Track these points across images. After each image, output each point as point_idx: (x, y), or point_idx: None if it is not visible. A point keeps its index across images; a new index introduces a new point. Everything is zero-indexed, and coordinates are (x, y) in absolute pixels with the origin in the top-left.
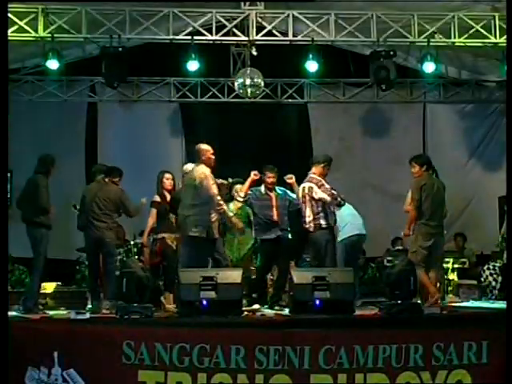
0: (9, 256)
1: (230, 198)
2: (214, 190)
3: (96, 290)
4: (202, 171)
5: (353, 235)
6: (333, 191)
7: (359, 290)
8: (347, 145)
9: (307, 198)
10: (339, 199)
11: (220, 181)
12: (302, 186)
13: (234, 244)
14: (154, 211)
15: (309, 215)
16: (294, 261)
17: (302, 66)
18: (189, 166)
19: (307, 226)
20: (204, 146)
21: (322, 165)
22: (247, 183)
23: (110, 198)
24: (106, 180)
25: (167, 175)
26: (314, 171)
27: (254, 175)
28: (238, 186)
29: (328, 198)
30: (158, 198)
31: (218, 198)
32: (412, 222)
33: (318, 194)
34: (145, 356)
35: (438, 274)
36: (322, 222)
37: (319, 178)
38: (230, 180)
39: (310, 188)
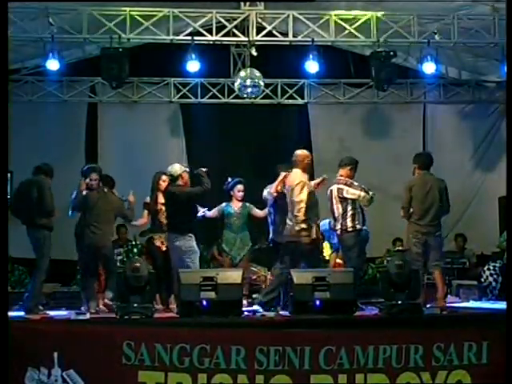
0: (9, 256)
1: (229, 198)
2: (301, 196)
3: (90, 291)
4: (297, 177)
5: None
6: (363, 186)
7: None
8: (347, 145)
9: (335, 200)
10: (371, 194)
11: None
12: (330, 188)
13: (236, 244)
14: (145, 212)
15: (336, 217)
16: None
17: (302, 66)
18: (176, 167)
19: (334, 228)
20: (301, 152)
21: (349, 167)
22: (279, 180)
23: (110, 209)
24: (105, 190)
25: (164, 177)
26: (341, 173)
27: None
28: (239, 186)
29: (362, 193)
30: (147, 199)
31: (301, 206)
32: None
33: (350, 191)
34: (145, 356)
35: (439, 274)
36: (349, 224)
37: (347, 179)
38: (230, 179)
39: (339, 189)
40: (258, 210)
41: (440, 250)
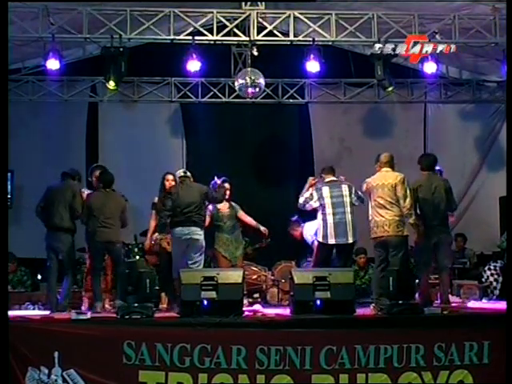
0: (15, 257)
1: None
2: (408, 192)
3: (98, 291)
4: (395, 173)
5: None
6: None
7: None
8: (348, 145)
9: None
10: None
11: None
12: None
13: (231, 243)
14: (153, 212)
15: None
16: (294, 261)
17: (302, 66)
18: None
19: None
20: (387, 154)
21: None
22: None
23: (116, 206)
24: (107, 190)
25: (167, 176)
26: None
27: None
28: (225, 185)
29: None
30: (156, 200)
31: (407, 202)
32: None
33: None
34: (145, 356)
35: (447, 276)
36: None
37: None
38: (216, 178)
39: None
40: (243, 213)
41: (450, 249)
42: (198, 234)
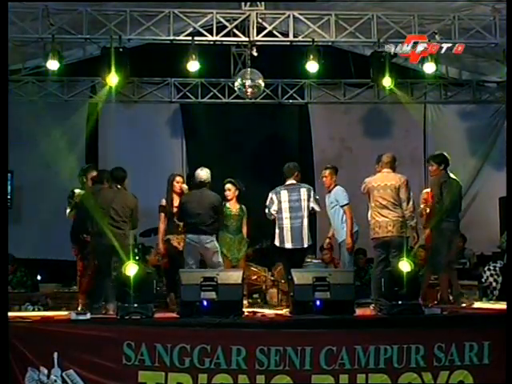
0: (13, 258)
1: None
2: (411, 194)
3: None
4: (398, 176)
5: (355, 231)
6: None
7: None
8: (348, 145)
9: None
10: None
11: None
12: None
13: (234, 244)
14: (162, 215)
15: None
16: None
17: (302, 66)
18: (201, 172)
19: None
20: (390, 154)
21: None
22: None
23: (127, 205)
24: (119, 186)
25: (177, 178)
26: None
27: None
28: (226, 186)
29: None
30: (163, 202)
31: (410, 204)
32: (429, 219)
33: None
34: (145, 357)
35: (455, 275)
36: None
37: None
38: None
39: None
40: (245, 222)
41: (457, 250)
42: (210, 240)
